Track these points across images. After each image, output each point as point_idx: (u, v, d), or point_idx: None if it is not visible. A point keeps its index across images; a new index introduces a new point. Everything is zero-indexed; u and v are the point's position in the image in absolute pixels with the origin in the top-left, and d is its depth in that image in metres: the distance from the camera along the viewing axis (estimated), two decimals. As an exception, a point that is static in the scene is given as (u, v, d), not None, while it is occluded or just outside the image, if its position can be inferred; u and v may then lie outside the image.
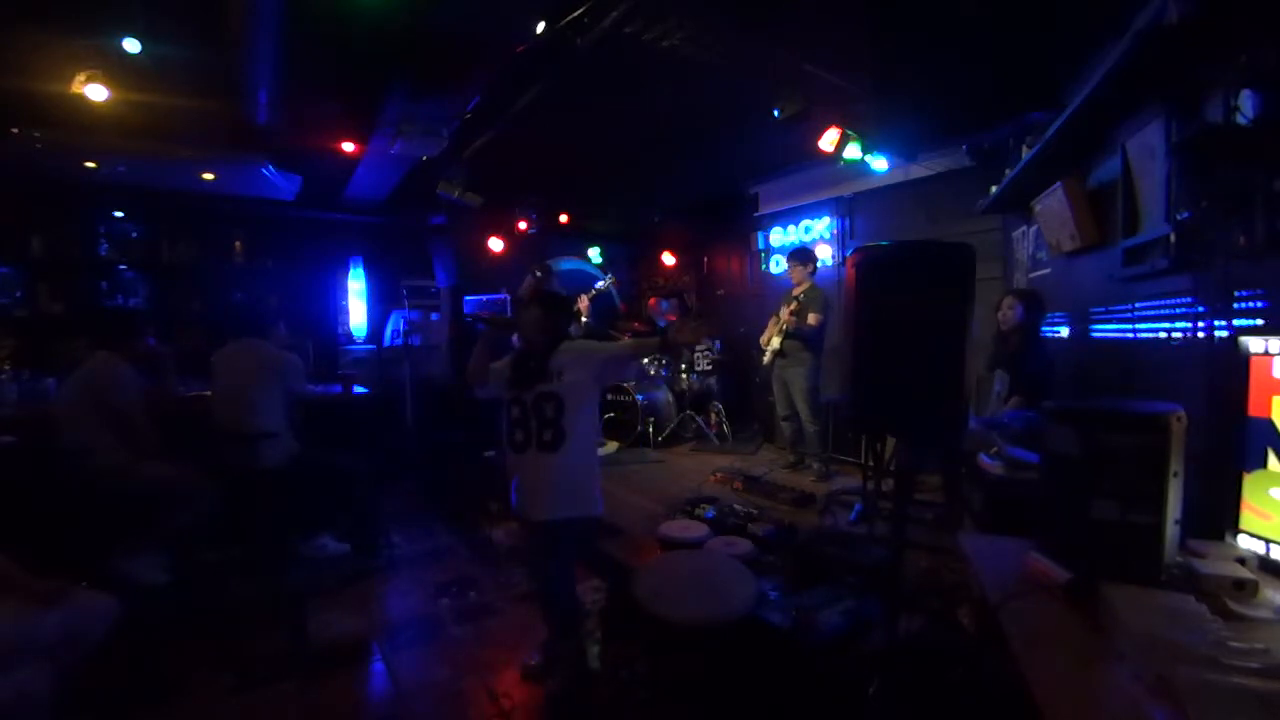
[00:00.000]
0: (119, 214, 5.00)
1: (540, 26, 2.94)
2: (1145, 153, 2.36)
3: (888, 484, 2.29)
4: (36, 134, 3.75)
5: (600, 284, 5.62)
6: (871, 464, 3.50)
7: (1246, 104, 1.67)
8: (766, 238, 6.47)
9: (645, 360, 6.04)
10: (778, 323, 4.61)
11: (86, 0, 2.79)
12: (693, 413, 5.81)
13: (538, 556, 2.46)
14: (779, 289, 5.29)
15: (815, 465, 4.51)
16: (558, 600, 2.38)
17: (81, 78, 3.05)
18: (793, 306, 4.46)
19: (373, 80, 3.37)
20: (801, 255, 4.64)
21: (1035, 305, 3.11)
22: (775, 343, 4.59)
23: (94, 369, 3.08)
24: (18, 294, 4.60)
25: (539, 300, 2.45)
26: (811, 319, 4.40)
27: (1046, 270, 3.55)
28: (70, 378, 3.16)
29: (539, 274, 5.33)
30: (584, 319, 5.40)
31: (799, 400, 4.50)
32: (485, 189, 5.10)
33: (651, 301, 6.98)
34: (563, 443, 2.25)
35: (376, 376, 5.42)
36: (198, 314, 5.18)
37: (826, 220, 5.86)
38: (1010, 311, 3.13)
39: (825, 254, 5.86)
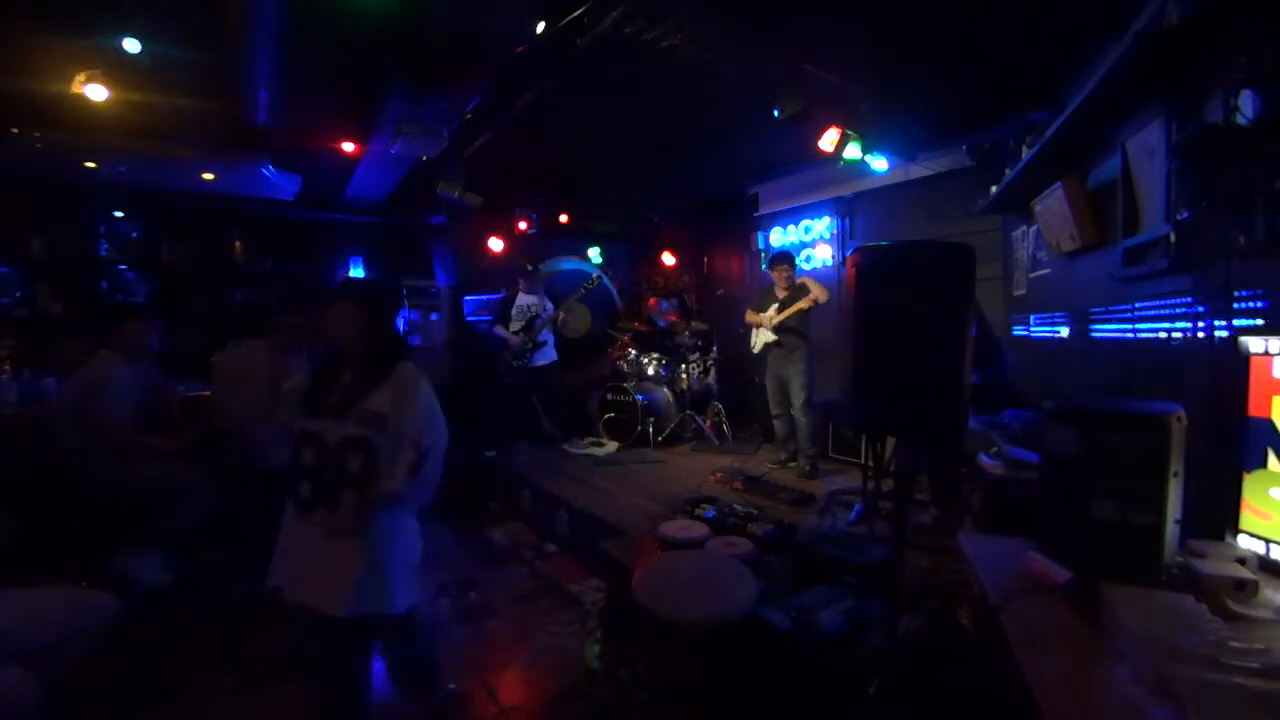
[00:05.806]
0: (119, 214, 5.00)
1: (540, 26, 2.95)
2: (1145, 153, 2.36)
3: (888, 484, 2.29)
4: (36, 134, 3.76)
5: (585, 285, 5.58)
6: (871, 464, 3.50)
7: (1246, 104, 1.68)
8: (766, 238, 6.47)
9: (645, 360, 6.05)
10: (768, 313, 4.56)
11: (86, 0, 2.79)
12: (693, 413, 5.80)
13: (326, 661, 1.75)
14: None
15: (805, 463, 4.49)
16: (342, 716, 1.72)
17: (81, 78, 3.05)
18: (783, 296, 4.48)
19: (373, 80, 3.37)
20: (785, 258, 4.66)
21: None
22: (769, 335, 4.53)
23: (87, 372, 3.07)
24: (18, 294, 4.60)
25: (347, 289, 1.75)
26: (817, 292, 4.34)
27: (1046, 270, 3.55)
28: (68, 380, 3.16)
29: (531, 268, 5.33)
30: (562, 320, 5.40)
31: (795, 395, 4.46)
32: (485, 189, 5.10)
33: (651, 301, 6.98)
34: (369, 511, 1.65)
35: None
36: (198, 314, 5.17)
37: (826, 220, 5.86)
38: None
39: (825, 254, 5.87)
